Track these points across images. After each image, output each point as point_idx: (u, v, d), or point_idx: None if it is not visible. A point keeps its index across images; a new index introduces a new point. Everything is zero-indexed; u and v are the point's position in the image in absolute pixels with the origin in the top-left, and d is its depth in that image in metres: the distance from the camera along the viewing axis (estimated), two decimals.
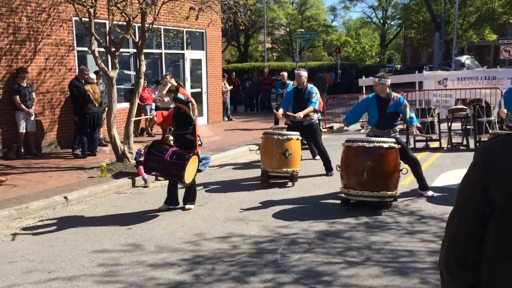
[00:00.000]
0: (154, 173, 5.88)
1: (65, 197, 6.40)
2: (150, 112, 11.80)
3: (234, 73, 20.77)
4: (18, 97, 8.67)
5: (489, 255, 1.23)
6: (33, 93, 9.02)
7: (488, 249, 1.23)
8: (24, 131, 8.91)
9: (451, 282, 1.32)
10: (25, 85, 8.80)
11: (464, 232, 1.29)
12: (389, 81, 6.13)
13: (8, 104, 8.79)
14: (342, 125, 6.54)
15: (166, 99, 11.24)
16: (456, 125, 10.91)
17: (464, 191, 1.31)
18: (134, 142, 8.69)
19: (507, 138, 1.23)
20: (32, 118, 8.99)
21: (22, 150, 9.01)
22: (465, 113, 9.83)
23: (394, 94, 6.17)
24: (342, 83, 27.54)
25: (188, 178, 5.51)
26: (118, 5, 7.74)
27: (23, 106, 8.74)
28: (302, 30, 34.27)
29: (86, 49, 9.96)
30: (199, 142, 6.11)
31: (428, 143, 10.02)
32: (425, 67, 20.55)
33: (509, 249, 1.19)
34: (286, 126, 7.84)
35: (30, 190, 6.66)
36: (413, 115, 6.11)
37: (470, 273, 1.27)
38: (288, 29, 46.54)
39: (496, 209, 1.21)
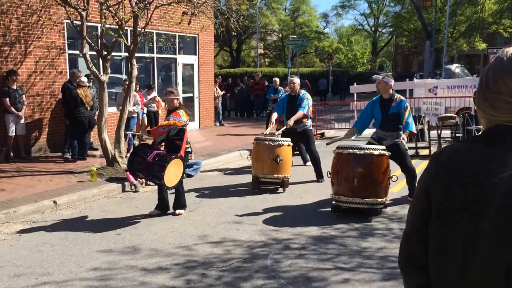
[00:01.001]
0: (138, 174, 5.83)
1: (54, 202, 6.34)
2: (142, 116, 11.75)
3: (220, 76, 19.68)
4: (7, 99, 8.59)
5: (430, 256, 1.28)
6: (23, 96, 8.94)
7: (429, 252, 1.28)
8: (14, 134, 8.82)
9: (409, 283, 1.37)
10: (15, 87, 8.73)
11: (412, 233, 1.34)
12: (392, 82, 6.18)
13: None
14: (352, 133, 6.41)
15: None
16: (446, 133, 11.01)
17: (415, 193, 1.37)
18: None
19: (454, 147, 1.27)
20: (22, 121, 8.91)
21: (11, 154, 8.92)
22: (454, 121, 9.93)
23: (397, 96, 6.21)
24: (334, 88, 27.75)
25: (169, 181, 5.42)
26: (111, 8, 7.73)
27: (13, 109, 8.65)
28: (295, 36, 34.49)
29: (77, 52, 9.92)
30: (188, 149, 6.07)
31: (418, 150, 10.09)
32: (416, 75, 20.74)
33: (439, 252, 1.23)
34: (280, 132, 7.84)
35: (18, 194, 6.59)
36: (410, 120, 6.09)
37: (422, 273, 1.30)
38: (280, 35, 46.78)
39: (433, 212, 1.25)
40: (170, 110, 5.86)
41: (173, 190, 5.91)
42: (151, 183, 6.92)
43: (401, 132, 6.10)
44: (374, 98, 6.38)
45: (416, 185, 1.37)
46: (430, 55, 31.76)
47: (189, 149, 6.09)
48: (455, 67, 19.98)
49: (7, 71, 8.71)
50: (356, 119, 6.62)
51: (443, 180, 1.22)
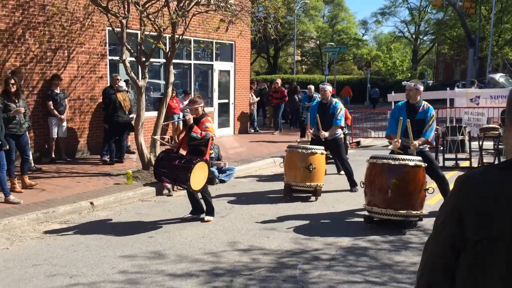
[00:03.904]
0: (163, 179, 5.92)
1: (91, 203, 6.52)
2: (178, 121, 11.96)
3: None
4: (51, 103, 8.93)
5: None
6: (66, 100, 9.28)
7: (459, 282, 1.19)
8: (56, 136, 9.16)
9: None
10: (58, 91, 9.07)
11: (436, 261, 1.25)
12: (422, 88, 6.06)
13: (42, 110, 9.07)
14: (394, 142, 6.16)
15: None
16: (488, 144, 10.61)
17: (440, 219, 1.27)
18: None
19: (486, 172, 1.19)
20: (64, 124, 9.24)
21: (53, 155, 9.26)
22: (497, 132, 9.55)
23: (424, 102, 6.09)
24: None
25: (195, 184, 5.46)
26: (150, 16, 7.92)
27: (56, 112, 8.99)
28: (332, 43, 34.24)
29: (117, 58, 10.21)
30: (212, 155, 6.12)
31: (458, 162, 9.77)
32: (457, 84, 20.15)
33: (476, 285, 1.15)
34: (310, 139, 7.80)
35: (58, 195, 6.82)
36: (430, 129, 5.94)
37: None
38: (318, 42, 46.59)
39: (467, 243, 1.17)
40: (197, 118, 5.93)
41: (201, 196, 5.97)
42: (178, 187, 7.03)
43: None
44: (399, 103, 6.24)
45: (440, 208, 1.29)
46: (474, 64, 30.80)
47: (212, 155, 6.16)
48: (499, 77, 19.28)
49: (52, 76, 9.07)
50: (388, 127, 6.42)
51: (475, 209, 1.16)
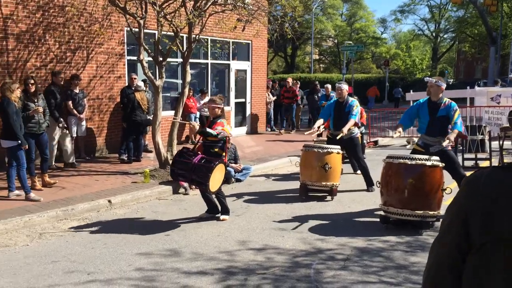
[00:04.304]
0: (179, 178, 5.95)
1: (109, 201, 6.62)
2: (195, 120, 12.05)
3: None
4: (70, 102, 9.08)
5: None
6: (85, 99, 9.43)
7: (465, 283, 1.18)
8: (75, 135, 9.30)
9: None
10: (77, 91, 9.21)
11: (442, 262, 1.23)
12: (444, 85, 5.98)
13: (61, 109, 9.21)
14: (400, 131, 6.14)
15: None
16: (509, 144, 10.40)
17: (446, 220, 1.26)
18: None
19: (492, 173, 1.17)
20: (83, 123, 9.38)
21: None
22: None
23: (445, 99, 6.00)
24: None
25: (213, 186, 5.48)
26: (167, 16, 7.99)
27: (75, 112, 9.13)
28: (350, 42, 33.98)
29: (135, 58, 10.33)
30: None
31: (478, 162, 9.61)
32: (478, 82, 19.78)
33: (480, 286, 1.14)
34: (326, 139, 7.78)
35: (77, 193, 6.94)
36: (459, 121, 5.85)
37: None
38: (336, 41, 46.29)
39: (473, 245, 1.16)
40: (213, 118, 5.95)
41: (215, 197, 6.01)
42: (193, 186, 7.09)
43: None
44: (421, 100, 6.17)
45: (446, 210, 1.27)
46: (495, 62, 30.21)
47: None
48: None
49: (72, 76, 9.22)
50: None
51: (481, 210, 1.15)
